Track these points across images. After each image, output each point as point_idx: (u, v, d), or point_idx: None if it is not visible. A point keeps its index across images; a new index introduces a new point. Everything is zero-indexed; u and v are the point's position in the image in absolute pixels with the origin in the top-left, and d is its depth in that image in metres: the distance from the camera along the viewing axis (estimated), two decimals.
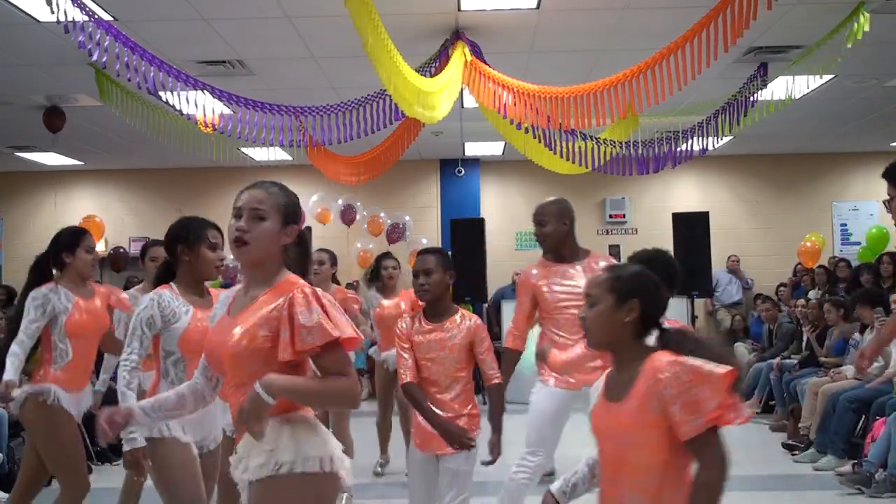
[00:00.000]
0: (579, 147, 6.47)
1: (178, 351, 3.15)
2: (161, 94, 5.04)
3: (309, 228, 11.22)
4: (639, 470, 2.02)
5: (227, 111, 5.87)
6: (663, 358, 2.01)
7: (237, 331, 2.16)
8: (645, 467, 2.01)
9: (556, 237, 3.91)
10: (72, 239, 4.04)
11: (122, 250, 11.16)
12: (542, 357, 3.71)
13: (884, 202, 3.53)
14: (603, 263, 3.70)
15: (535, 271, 3.98)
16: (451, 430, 3.16)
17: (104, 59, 4.41)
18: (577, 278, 3.82)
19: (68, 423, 3.88)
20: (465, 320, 3.30)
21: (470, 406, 3.28)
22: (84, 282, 4.07)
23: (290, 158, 10.84)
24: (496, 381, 3.32)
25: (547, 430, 3.86)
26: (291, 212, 2.33)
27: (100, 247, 11.66)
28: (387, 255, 6.28)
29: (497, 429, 3.34)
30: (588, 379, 3.47)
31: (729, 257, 11.36)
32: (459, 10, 5.74)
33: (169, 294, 3.18)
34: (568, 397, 3.82)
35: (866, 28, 5.37)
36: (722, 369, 1.92)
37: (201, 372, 2.41)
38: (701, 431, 1.91)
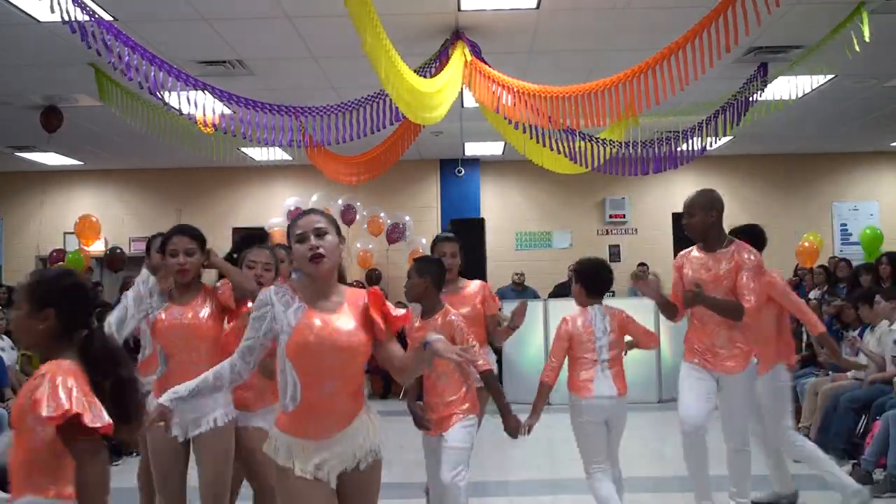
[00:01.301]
0: (579, 147, 6.47)
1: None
2: (161, 94, 5.04)
3: None
4: None
5: (227, 111, 5.87)
6: None
7: (352, 327, 2.55)
8: None
9: (701, 227, 4.14)
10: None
11: (118, 251, 11.15)
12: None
13: None
14: (747, 255, 4.03)
15: (684, 253, 4.32)
16: (415, 413, 3.73)
17: (111, 59, 4.41)
18: (717, 266, 4.07)
19: None
20: (447, 316, 3.67)
21: (463, 389, 3.65)
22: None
23: (290, 158, 10.85)
24: (485, 367, 3.63)
25: (698, 403, 4.07)
26: (337, 228, 2.69)
27: (100, 246, 11.68)
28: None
29: (507, 411, 3.63)
30: (722, 365, 4.03)
31: None
32: (459, 10, 5.74)
33: None
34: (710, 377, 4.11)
35: (867, 36, 5.38)
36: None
37: (241, 357, 2.62)
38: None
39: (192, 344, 3.34)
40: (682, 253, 4.34)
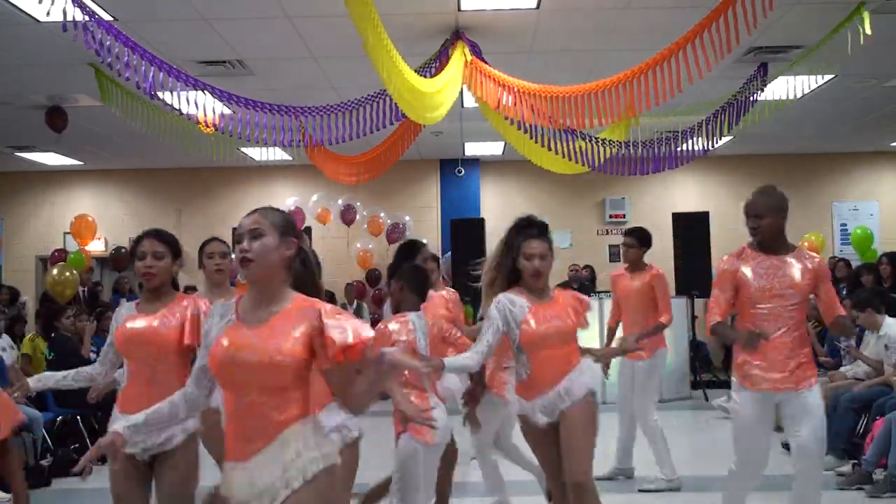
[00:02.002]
0: (579, 147, 6.47)
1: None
2: (160, 94, 5.04)
3: (309, 228, 11.23)
4: None
5: (227, 111, 5.87)
6: None
7: (280, 343, 2.29)
8: None
9: (773, 230, 3.83)
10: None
11: (123, 250, 11.15)
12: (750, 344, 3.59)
13: None
14: (820, 260, 3.87)
15: (737, 256, 3.89)
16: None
17: (108, 60, 4.41)
18: (790, 272, 3.73)
19: None
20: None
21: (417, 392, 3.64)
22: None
23: (290, 158, 10.85)
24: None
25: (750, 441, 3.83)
26: (290, 226, 2.48)
27: (100, 246, 11.68)
28: None
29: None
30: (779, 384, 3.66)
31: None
32: (459, 10, 5.74)
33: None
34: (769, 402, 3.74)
35: (868, 29, 5.37)
36: None
37: (195, 382, 2.50)
38: None
39: (154, 356, 3.11)
40: (730, 256, 3.91)
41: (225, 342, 2.34)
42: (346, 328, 2.26)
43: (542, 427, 3.46)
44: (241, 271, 2.40)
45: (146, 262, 3.21)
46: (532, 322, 3.42)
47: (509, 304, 3.46)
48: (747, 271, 3.76)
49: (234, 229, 2.47)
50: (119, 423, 2.46)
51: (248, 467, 2.28)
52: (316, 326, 2.30)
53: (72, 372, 3.40)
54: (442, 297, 5.08)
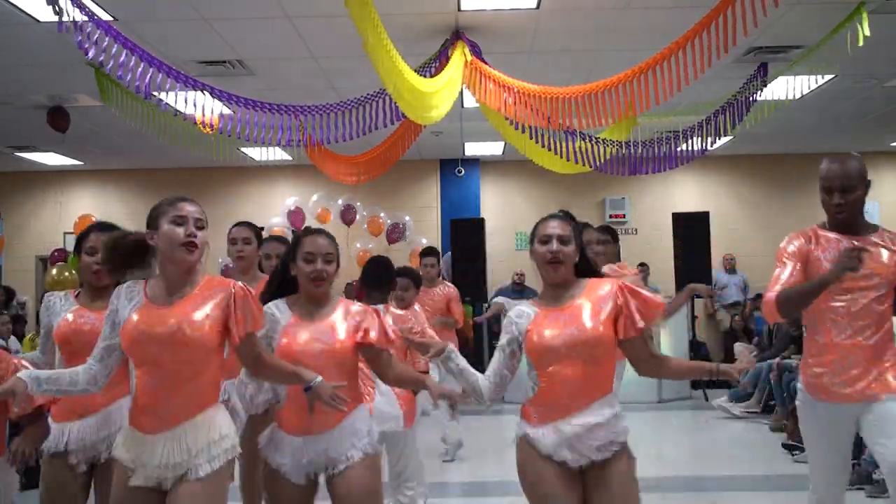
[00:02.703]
0: (579, 147, 6.47)
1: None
2: (160, 94, 5.04)
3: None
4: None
5: (227, 111, 5.87)
6: None
7: (197, 317, 2.50)
8: None
9: (860, 205, 3.11)
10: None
11: None
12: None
13: None
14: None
15: (806, 235, 3.16)
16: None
17: (101, 59, 4.40)
18: (874, 255, 3.01)
19: None
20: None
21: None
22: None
23: (290, 158, 10.85)
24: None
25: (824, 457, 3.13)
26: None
27: None
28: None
29: None
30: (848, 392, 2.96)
31: (724, 256, 11.36)
32: (459, 10, 5.74)
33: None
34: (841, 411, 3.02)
35: (867, 31, 5.37)
36: None
37: (97, 359, 2.60)
38: None
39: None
40: (798, 234, 3.19)
41: (145, 317, 2.51)
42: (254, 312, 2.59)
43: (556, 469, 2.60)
44: (180, 252, 2.55)
45: (96, 259, 2.99)
46: (535, 332, 2.66)
47: (515, 317, 2.76)
48: (826, 255, 3.04)
49: (180, 216, 2.60)
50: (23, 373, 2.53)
51: (156, 440, 2.46)
52: (227, 306, 2.56)
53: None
54: (437, 292, 5.32)
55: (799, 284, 3.01)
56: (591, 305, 2.63)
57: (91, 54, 4.30)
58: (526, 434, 2.65)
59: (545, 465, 2.58)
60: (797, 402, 3.21)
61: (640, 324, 2.59)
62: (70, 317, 3.03)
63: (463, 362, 2.80)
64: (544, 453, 2.59)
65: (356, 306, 2.88)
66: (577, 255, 2.72)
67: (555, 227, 2.69)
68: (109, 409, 2.97)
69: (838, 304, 2.99)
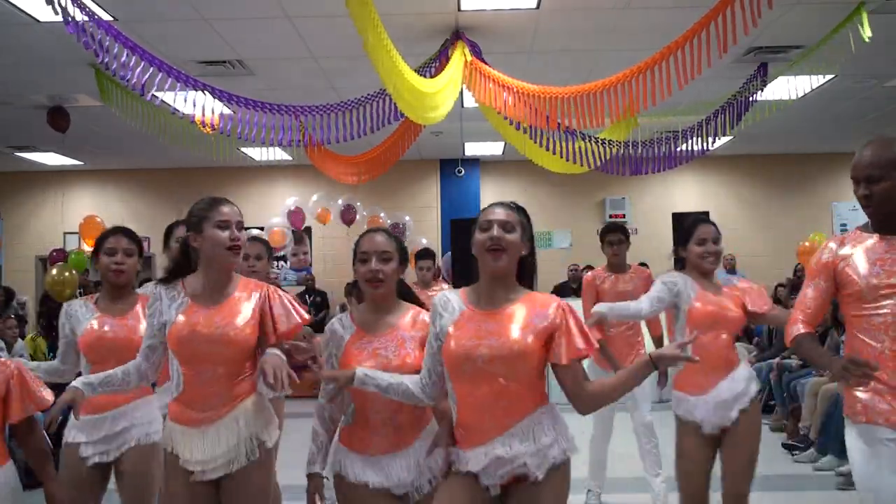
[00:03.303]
0: (579, 147, 6.46)
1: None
2: (159, 94, 5.03)
3: (309, 229, 11.24)
4: None
5: (227, 111, 5.87)
6: None
7: (239, 322, 2.64)
8: None
9: (889, 197, 2.60)
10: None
11: None
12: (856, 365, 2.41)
13: None
14: None
15: (838, 244, 2.74)
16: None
17: (106, 59, 4.41)
18: None
19: None
20: None
21: None
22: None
23: (290, 158, 10.85)
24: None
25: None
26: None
27: None
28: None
29: None
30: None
31: (724, 256, 11.35)
32: (459, 10, 5.74)
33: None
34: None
35: (868, 31, 5.38)
36: None
37: (144, 357, 2.72)
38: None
39: (124, 359, 2.88)
40: (831, 240, 2.77)
41: (195, 318, 2.62)
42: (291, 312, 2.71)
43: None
44: (227, 255, 2.66)
45: (116, 259, 3.26)
46: (453, 341, 2.38)
47: (440, 307, 2.49)
48: (858, 260, 2.64)
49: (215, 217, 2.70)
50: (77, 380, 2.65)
51: (206, 433, 2.59)
52: (261, 303, 2.70)
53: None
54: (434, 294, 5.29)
55: (810, 344, 2.72)
56: (525, 314, 2.36)
57: (102, 58, 4.31)
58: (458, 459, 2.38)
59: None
60: (847, 439, 2.65)
61: (581, 346, 2.31)
62: (94, 324, 3.19)
63: (383, 378, 2.44)
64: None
65: (425, 315, 2.65)
66: (527, 249, 2.47)
67: (497, 214, 2.47)
68: (124, 407, 3.15)
69: (881, 314, 2.59)
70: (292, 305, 2.75)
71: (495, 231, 2.43)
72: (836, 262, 2.69)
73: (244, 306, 2.67)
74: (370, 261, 2.60)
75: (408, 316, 2.67)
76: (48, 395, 2.72)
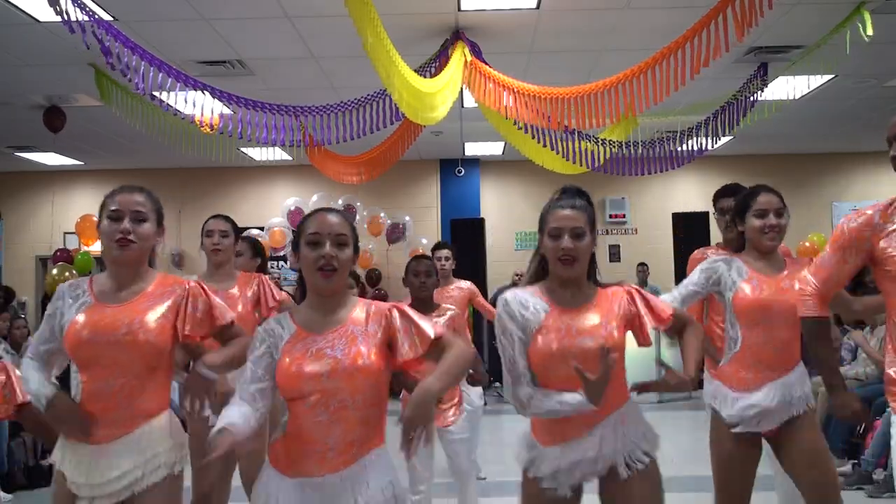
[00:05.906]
0: (579, 147, 6.47)
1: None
2: (160, 94, 5.04)
3: None
4: None
5: (227, 111, 5.87)
6: None
7: (149, 320, 2.34)
8: None
9: None
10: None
11: None
12: None
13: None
14: None
15: (875, 212, 2.42)
16: None
17: (111, 60, 4.41)
18: None
19: None
20: None
21: None
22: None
23: (290, 158, 10.85)
24: None
25: None
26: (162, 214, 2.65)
27: (99, 246, 11.67)
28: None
29: None
30: None
31: None
32: (459, 10, 5.74)
33: None
34: None
35: (869, 30, 5.37)
36: None
37: (39, 365, 2.43)
38: None
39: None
40: (866, 210, 2.45)
41: (93, 317, 2.33)
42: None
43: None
44: (117, 251, 2.41)
45: (214, 240, 3.74)
46: (541, 337, 2.31)
47: (520, 307, 2.34)
48: (887, 234, 2.36)
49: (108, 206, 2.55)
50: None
51: (100, 452, 2.28)
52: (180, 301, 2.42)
53: None
54: (460, 289, 5.29)
55: (825, 345, 2.60)
56: (605, 309, 2.35)
57: (112, 62, 4.32)
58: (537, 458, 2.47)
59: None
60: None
61: (652, 324, 2.35)
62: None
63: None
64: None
65: (376, 306, 2.20)
66: (594, 245, 2.37)
67: (567, 219, 2.30)
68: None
69: None
70: (215, 309, 2.45)
71: (567, 242, 2.31)
72: (876, 237, 2.38)
73: (157, 304, 2.36)
74: (323, 244, 2.08)
75: (358, 308, 2.16)
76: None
